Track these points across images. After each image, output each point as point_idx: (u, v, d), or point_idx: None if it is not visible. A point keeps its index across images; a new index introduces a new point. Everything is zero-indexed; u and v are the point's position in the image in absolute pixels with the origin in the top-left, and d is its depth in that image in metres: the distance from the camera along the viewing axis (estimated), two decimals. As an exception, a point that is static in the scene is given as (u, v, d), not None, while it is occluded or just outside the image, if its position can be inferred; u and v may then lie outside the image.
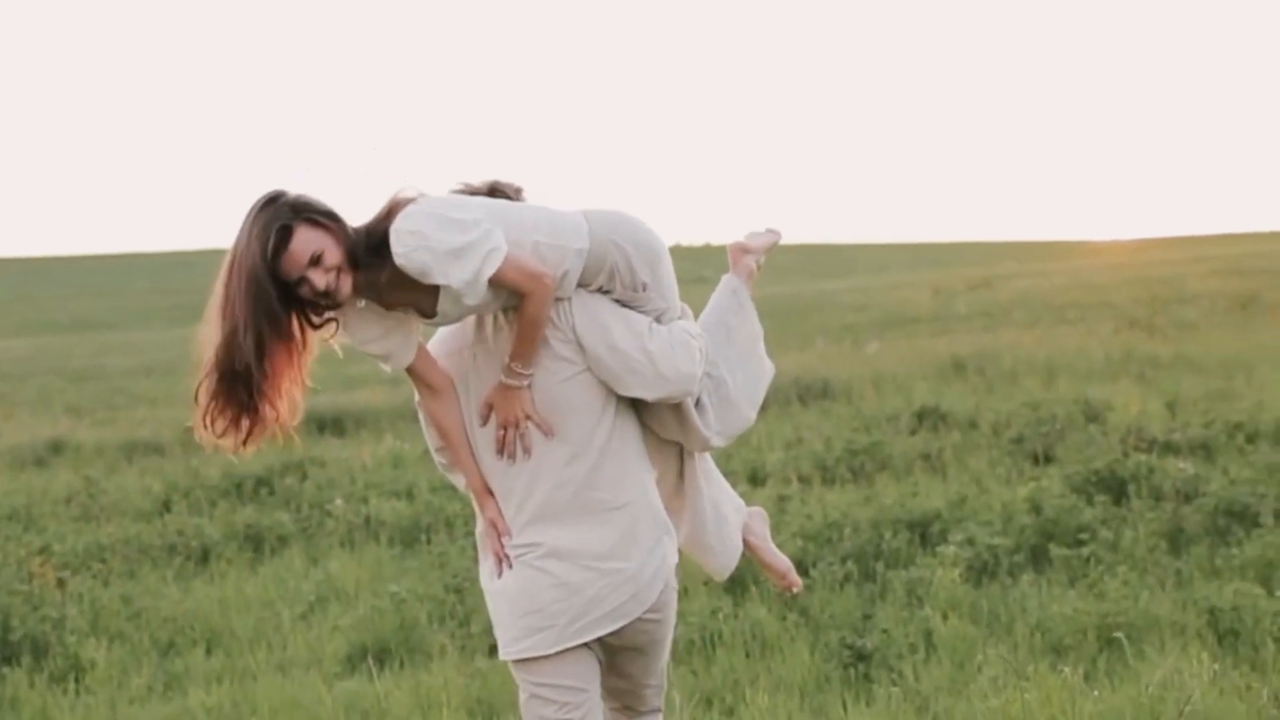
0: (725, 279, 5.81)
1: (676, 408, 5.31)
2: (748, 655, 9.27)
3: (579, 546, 5.12)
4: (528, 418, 5.13)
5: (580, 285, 5.16)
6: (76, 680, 10.03)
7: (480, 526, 5.33)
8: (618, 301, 5.23)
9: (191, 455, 21.00)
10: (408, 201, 4.89)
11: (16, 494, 17.61)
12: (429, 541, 12.89)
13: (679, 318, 5.34)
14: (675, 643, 9.48)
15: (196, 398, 4.91)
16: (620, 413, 5.23)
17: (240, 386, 4.85)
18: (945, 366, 23.23)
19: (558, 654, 5.14)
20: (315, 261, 4.80)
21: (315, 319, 5.00)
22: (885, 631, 9.10)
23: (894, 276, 73.46)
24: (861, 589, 10.34)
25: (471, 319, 5.24)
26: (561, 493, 5.13)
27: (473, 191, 5.31)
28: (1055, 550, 10.55)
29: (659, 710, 5.61)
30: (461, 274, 4.85)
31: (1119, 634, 8.70)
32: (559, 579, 5.11)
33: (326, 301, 4.89)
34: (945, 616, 9.49)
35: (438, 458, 5.50)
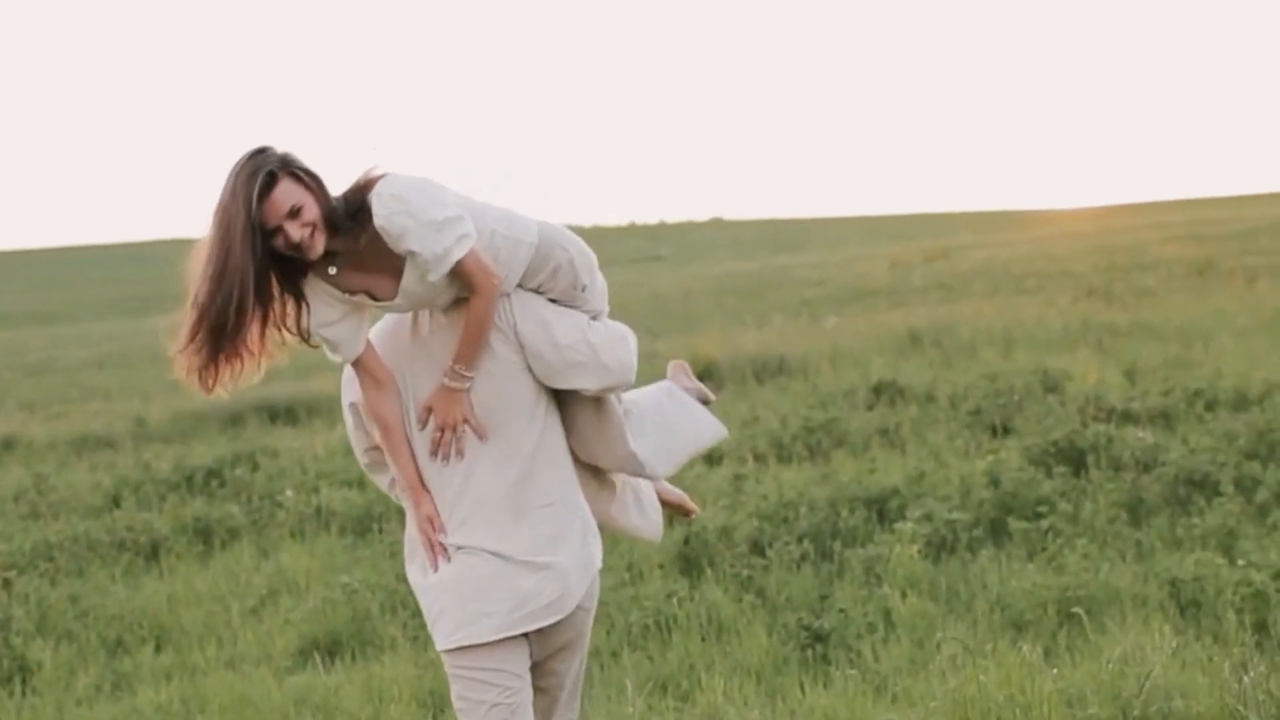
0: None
1: (603, 421, 5.44)
2: (704, 639, 9.14)
3: (512, 545, 5.17)
4: (465, 421, 5.20)
5: (520, 285, 5.27)
6: (23, 682, 9.87)
7: (411, 526, 5.31)
8: (554, 301, 5.35)
9: (143, 449, 20.81)
10: (381, 176, 5.01)
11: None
12: (381, 531, 12.72)
13: (602, 311, 5.50)
14: (630, 627, 9.37)
15: (179, 334, 4.98)
16: (549, 413, 5.32)
17: (219, 328, 4.92)
18: (903, 340, 23.07)
19: (498, 642, 5.16)
20: (294, 214, 4.90)
21: (289, 283, 5.08)
22: (843, 611, 8.98)
23: (851, 250, 73.25)
24: (819, 569, 10.21)
25: (408, 319, 5.32)
26: (495, 492, 5.19)
27: None
28: (1014, 524, 10.44)
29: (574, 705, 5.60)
30: (436, 246, 4.96)
31: (1078, 609, 8.59)
32: (496, 571, 5.16)
33: (298, 255, 4.96)
34: (904, 595, 9.38)
35: (363, 459, 5.52)
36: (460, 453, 5.20)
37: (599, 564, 5.39)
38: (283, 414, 22.73)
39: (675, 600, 9.52)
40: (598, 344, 5.31)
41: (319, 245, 4.97)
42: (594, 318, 5.42)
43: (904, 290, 37.02)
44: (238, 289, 4.86)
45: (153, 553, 13.06)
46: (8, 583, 11.81)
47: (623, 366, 5.36)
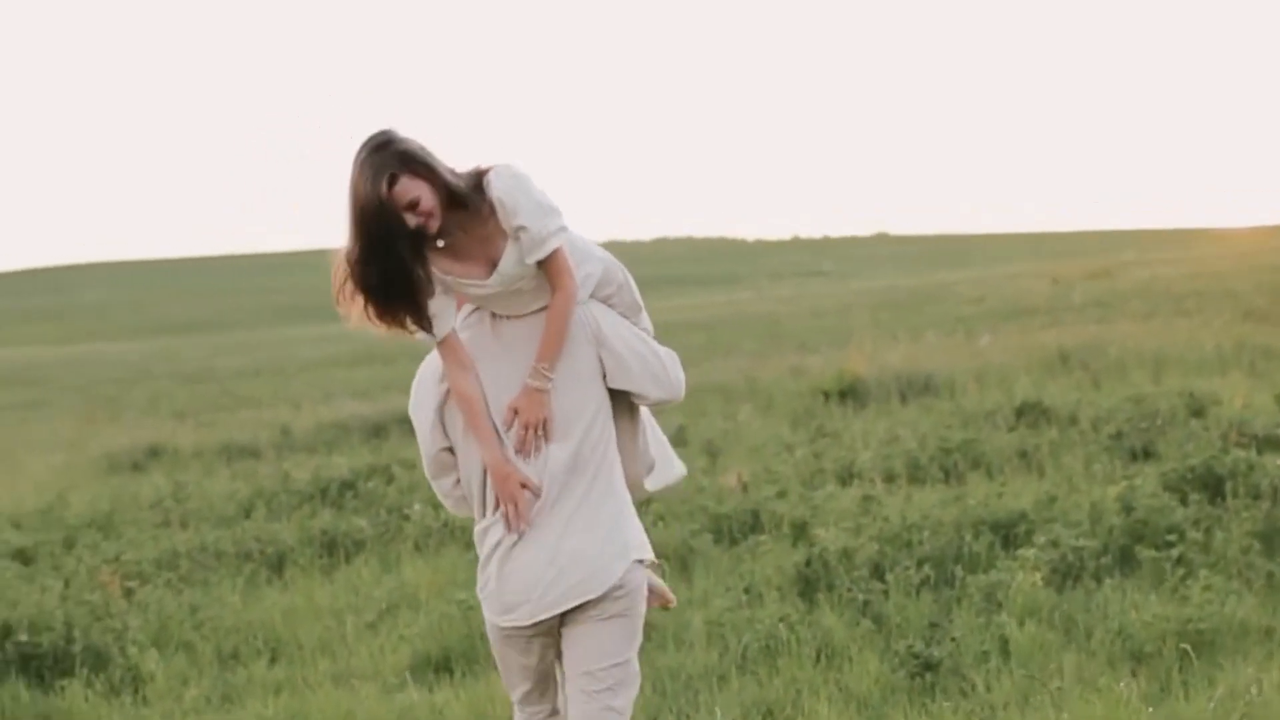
0: None
1: (636, 430, 5.93)
2: (814, 664, 8.94)
3: (562, 535, 5.57)
4: (546, 420, 5.62)
5: (592, 295, 5.79)
6: (135, 692, 9.89)
7: (482, 524, 5.70)
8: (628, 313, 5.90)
9: (285, 458, 20.94)
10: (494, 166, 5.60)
11: (104, 500, 17.56)
12: (505, 545, 12.61)
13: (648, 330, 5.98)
14: (744, 650, 9.19)
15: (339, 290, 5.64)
16: (606, 415, 5.72)
17: (370, 285, 5.55)
18: (1053, 360, 22.70)
19: (532, 625, 5.61)
20: (411, 206, 5.47)
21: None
22: (954, 640, 8.74)
23: (1015, 266, 72.53)
24: (938, 594, 9.96)
25: (488, 328, 5.75)
26: (557, 487, 5.60)
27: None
28: (1143, 552, 10.12)
29: (612, 697, 5.68)
30: (543, 228, 5.52)
31: (1193, 642, 8.31)
32: (541, 561, 5.56)
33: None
34: (1021, 623, 9.10)
35: (433, 464, 5.85)
36: (539, 449, 5.61)
37: (637, 545, 5.70)
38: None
39: (788, 624, 9.32)
40: (666, 359, 5.82)
41: (433, 227, 5.52)
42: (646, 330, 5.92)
43: (1061, 309, 36.48)
44: (382, 258, 5.48)
45: (278, 564, 13.08)
46: (130, 592, 11.86)
47: (679, 383, 5.87)
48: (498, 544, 5.59)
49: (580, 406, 5.63)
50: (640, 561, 5.67)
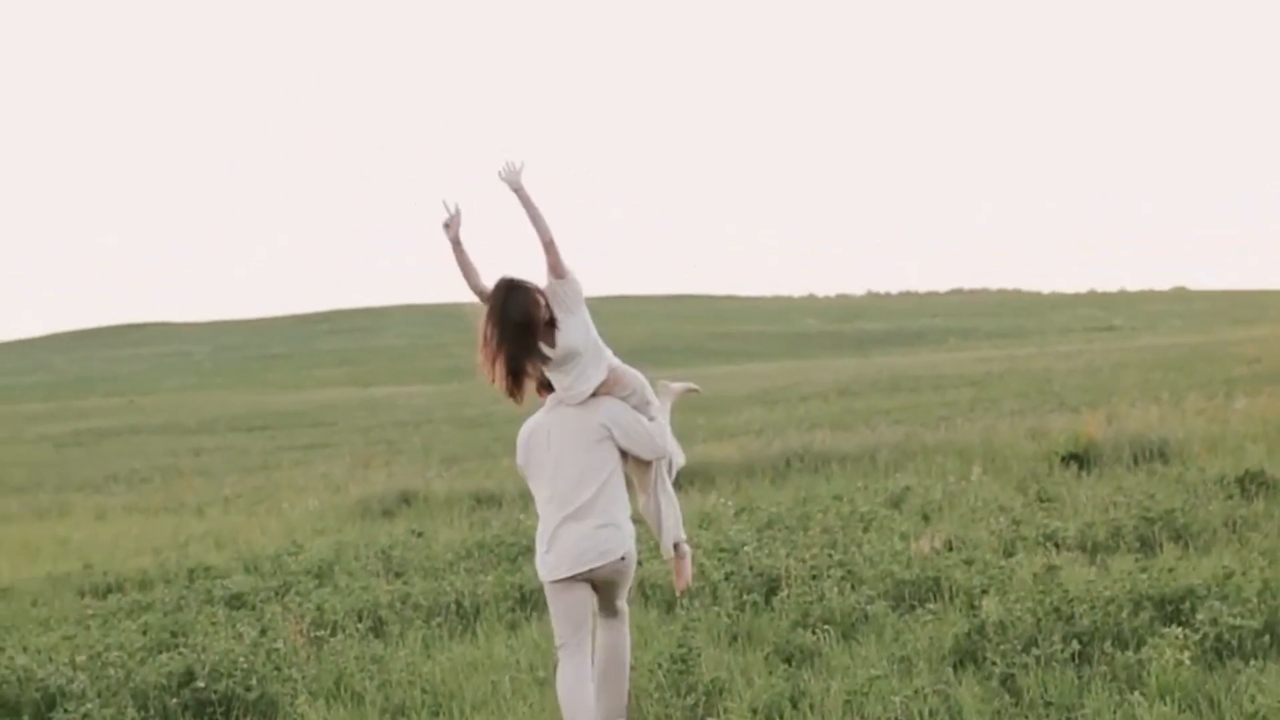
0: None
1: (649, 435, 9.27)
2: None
3: (583, 526, 8.95)
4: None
5: (619, 396, 9.13)
6: (296, 743, 10.27)
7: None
8: (634, 406, 9.23)
9: (522, 509, 21.33)
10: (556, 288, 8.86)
11: (330, 549, 18.14)
12: (690, 606, 12.78)
13: (655, 417, 9.31)
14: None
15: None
16: (617, 464, 9.08)
17: (500, 362, 8.88)
18: (1296, 427, 22.26)
19: (569, 578, 9.00)
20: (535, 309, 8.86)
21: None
22: (1084, 717, 8.72)
23: (1308, 325, 70.66)
24: (1082, 670, 9.92)
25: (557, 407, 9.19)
26: (587, 503, 8.96)
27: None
28: (1304, 634, 9.96)
29: (623, 612, 9.34)
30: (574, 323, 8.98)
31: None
32: (570, 539, 8.96)
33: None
34: (1153, 704, 9.03)
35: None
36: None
37: (633, 535, 9.14)
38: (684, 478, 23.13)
39: (921, 696, 9.39)
40: (654, 433, 9.20)
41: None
42: (651, 416, 9.23)
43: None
44: (509, 350, 8.87)
45: (473, 616, 13.41)
46: (318, 641, 12.27)
47: (662, 448, 9.26)
48: (551, 532, 9.01)
49: (601, 461, 8.99)
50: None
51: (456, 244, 8.93)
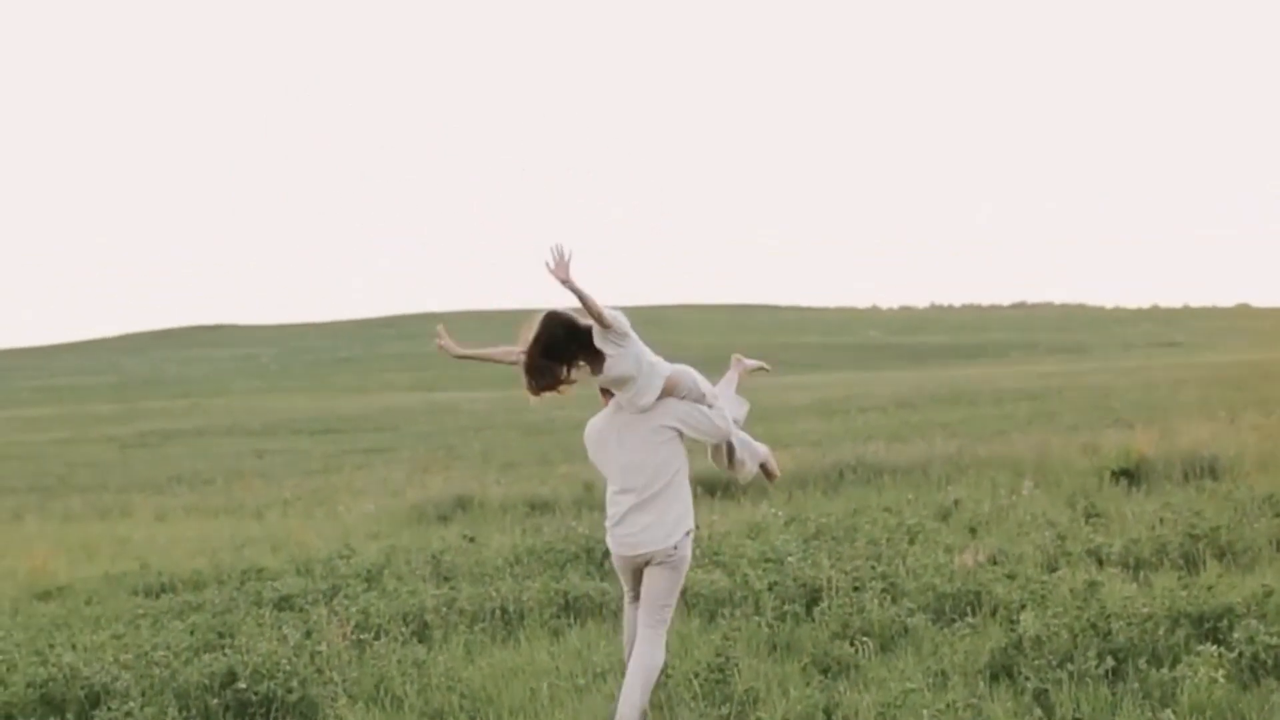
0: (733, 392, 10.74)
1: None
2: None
3: (645, 518, 9.80)
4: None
5: (678, 396, 9.91)
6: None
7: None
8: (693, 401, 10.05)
9: (583, 516, 21.42)
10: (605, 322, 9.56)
11: (381, 553, 18.28)
12: (731, 616, 12.84)
13: (713, 404, 10.12)
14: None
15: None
16: (683, 462, 9.94)
17: (537, 372, 9.76)
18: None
19: (632, 556, 9.88)
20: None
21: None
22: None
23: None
24: (1115, 687, 9.96)
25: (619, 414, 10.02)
26: (649, 498, 9.80)
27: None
28: (1342, 653, 9.95)
29: (660, 626, 9.85)
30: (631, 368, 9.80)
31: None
32: (630, 527, 9.84)
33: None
34: (1182, 720, 9.08)
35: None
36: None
37: (688, 527, 9.88)
38: (720, 490, 23.20)
39: (953, 710, 9.45)
40: (715, 418, 10.07)
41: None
42: (710, 405, 10.03)
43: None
44: (544, 359, 9.76)
45: (517, 621, 13.52)
46: (362, 644, 12.39)
47: (724, 432, 10.18)
48: (619, 515, 9.86)
49: (666, 461, 9.81)
50: (688, 534, 9.87)
51: (463, 356, 10.36)
